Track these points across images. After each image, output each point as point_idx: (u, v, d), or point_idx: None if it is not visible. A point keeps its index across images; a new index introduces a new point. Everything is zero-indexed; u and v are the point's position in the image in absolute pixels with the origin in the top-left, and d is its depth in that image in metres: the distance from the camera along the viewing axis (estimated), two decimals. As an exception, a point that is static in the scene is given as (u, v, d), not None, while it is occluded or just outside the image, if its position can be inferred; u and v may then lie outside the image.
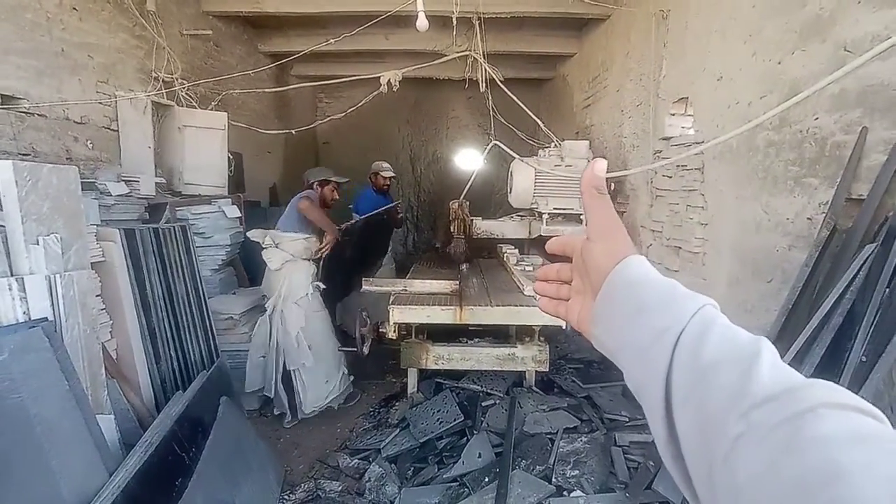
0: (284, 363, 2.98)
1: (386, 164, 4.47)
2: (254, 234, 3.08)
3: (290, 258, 3.02)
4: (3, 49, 2.34)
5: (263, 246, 3.04)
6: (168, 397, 2.32)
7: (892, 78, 1.61)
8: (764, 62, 2.34)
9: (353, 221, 3.90)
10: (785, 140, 2.18)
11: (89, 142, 2.90)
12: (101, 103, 2.95)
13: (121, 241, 2.22)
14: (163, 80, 3.43)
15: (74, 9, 2.78)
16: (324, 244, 3.12)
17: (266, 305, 3.02)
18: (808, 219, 1.98)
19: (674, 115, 3.29)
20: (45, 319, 1.59)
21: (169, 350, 2.51)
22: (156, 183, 3.13)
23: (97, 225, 2.29)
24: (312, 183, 3.27)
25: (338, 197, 3.39)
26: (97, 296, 1.97)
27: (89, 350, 1.72)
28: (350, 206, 4.35)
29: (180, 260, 2.77)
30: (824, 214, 1.82)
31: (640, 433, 2.31)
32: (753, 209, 2.30)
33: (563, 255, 0.51)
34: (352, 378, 3.28)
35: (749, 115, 2.38)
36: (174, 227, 2.80)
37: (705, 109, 2.94)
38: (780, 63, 2.22)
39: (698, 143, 2.87)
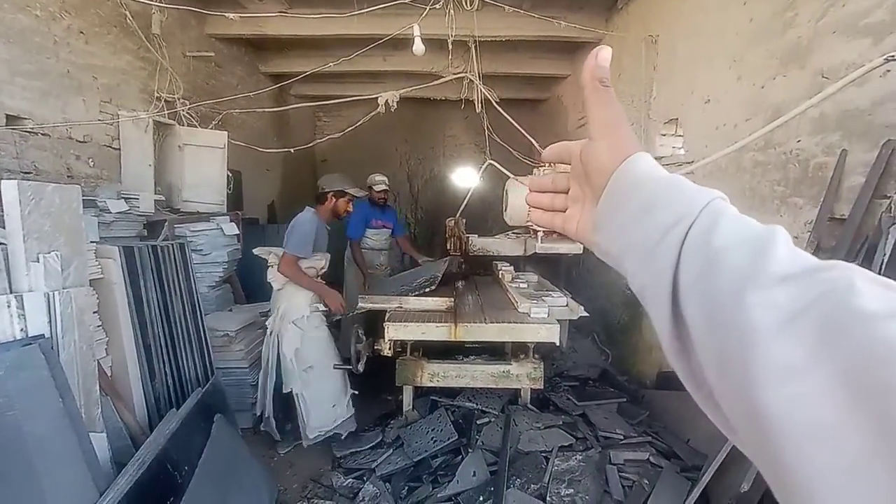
0: (281, 385, 2.86)
1: (379, 177, 4.20)
2: (260, 252, 2.96)
3: None
4: (11, 71, 2.41)
5: (269, 264, 2.89)
6: (162, 415, 2.31)
7: (868, 104, 1.68)
8: (748, 86, 2.42)
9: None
10: (770, 161, 2.25)
11: (91, 160, 2.96)
12: (104, 123, 3.01)
13: (119, 258, 2.24)
14: (165, 100, 3.51)
15: (81, 32, 2.86)
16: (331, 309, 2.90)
17: (267, 324, 2.94)
18: (795, 237, 2.02)
19: (664, 135, 3.38)
20: (42, 336, 1.60)
21: (164, 367, 2.51)
22: (155, 200, 3.17)
23: (96, 242, 2.31)
24: (327, 192, 2.98)
25: (351, 210, 3.13)
26: (94, 312, 1.98)
27: (84, 367, 1.73)
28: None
29: (177, 277, 2.78)
30: (809, 233, 1.87)
31: (634, 451, 2.30)
32: (742, 228, 2.35)
33: (561, 161, 0.47)
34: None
35: (736, 137, 2.46)
36: (172, 244, 2.83)
37: (694, 130, 3.02)
38: (763, 87, 2.31)
39: (689, 162, 2.94)
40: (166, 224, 3.18)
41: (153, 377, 2.40)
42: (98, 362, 1.89)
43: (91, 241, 2.20)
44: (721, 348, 0.27)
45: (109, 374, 2.07)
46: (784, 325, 0.24)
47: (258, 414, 3.03)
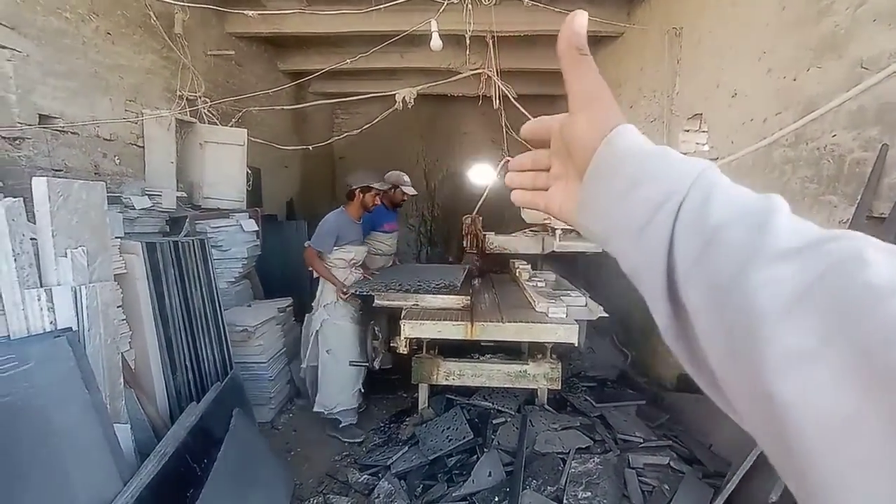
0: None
1: (407, 178, 3.86)
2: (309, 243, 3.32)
3: (331, 266, 3.18)
4: (43, 72, 2.48)
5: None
6: (182, 408, 2.36)
7: (911, 96, 1.58)
8: (779, 79, 2.33)
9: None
10: (801, 157, 2.15)
11: (116, 157, 3.03)
12: (129, 121, 3.08)
13: (142, 253, 2.29)
14: (187, 99, 3.57)
15: (108, 33, 2.93)
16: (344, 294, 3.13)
17: (312, 304, 3.33)
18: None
19: (688, 131, 3.28)
20: (70, 329, 1.65)
21: (185, 361, 2.56)
22: (177, 197, 3.23)
23: (121, 238, 2.37)
24: (354, 189, 3.24)
25: (379, 203, 3.39)
26: (118, 307, 2.03)
27: (109, 360, 1.77)
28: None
29: (198, 272, 2.84)
30: (844, 233, 1.79)
31: (654, 455, 2.25)
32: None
33: (539, 138, 0.44)
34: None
35: (764, 132, 2.36)
36: (193, 240, 2.88)
37: (719, 126, 2.92)
38: (795, 80, 2.21)
39: (713, 159, 2.85)
40: (187, 220, 3.24)
41: (174, 371, 2.45)
42: (122, 355, 1.94)
43: (115, 237, 2.26)
44: (728, 334, 0.25)
45: (133, 367, 2.12)
46: (791, 306, 0.22)
47: (273, 405, 3.26)
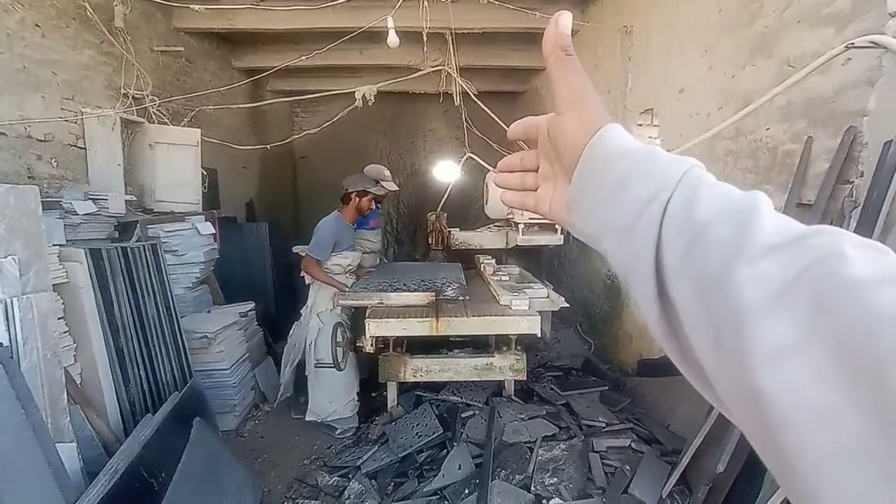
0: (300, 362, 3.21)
1: (387, 172, 3.72)
2: (298, 250, 3.26)
3: (327, 272, 3.11)
4: (-39, 67, 2.29)
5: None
6: (138, 421, 2.25)
7: (831, 91, 1.72)
8: (720, 76, 2.46)
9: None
10: (742, 149, 2.29)
11: (53, 160, 2.83)
12: (66, 121, 2.89)
13: (86, 261, 2.16)
14: (133, 97, 3.38)
15: (37, 25, 2.73)
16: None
17: (301, 312, 3.26)
18: (765, 224, 2.07)
19: (641, 125, 3.41)
20: (0, 345, 1.54)
21: (138, 372, 2.44)
22: (126, 201, 3.06)
23: (61, 245, 2.23)
24: (350, 193, 3.20)
25: (374, 207, 3.39)
26: (59, 318, 1.90)
27: (50, 375, 1.66)
28: None
29: (150, 279, 2.71)
30: (779, 219, 1.92)
31: (616, 438, 2.34)
32: (716, 215, 2.39)
33: (527, 138, 0.44)
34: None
35: (709, 126, 2.49)
36: (144, 245, 2.75)
37: (670, 120, 3.06)
38: (734, 77, 2.34)
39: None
40: (138, 225, 3.08)
41: (127, 382, 2.34)
42: (65, 370, 1.83)
43: (55, 244, 2.12)
44: (715, 330, 0.25)
45: (79, 382, 2.00)
46: (774, 301, 0.23)
47: (238, 413, 3.17)
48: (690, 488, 1.94)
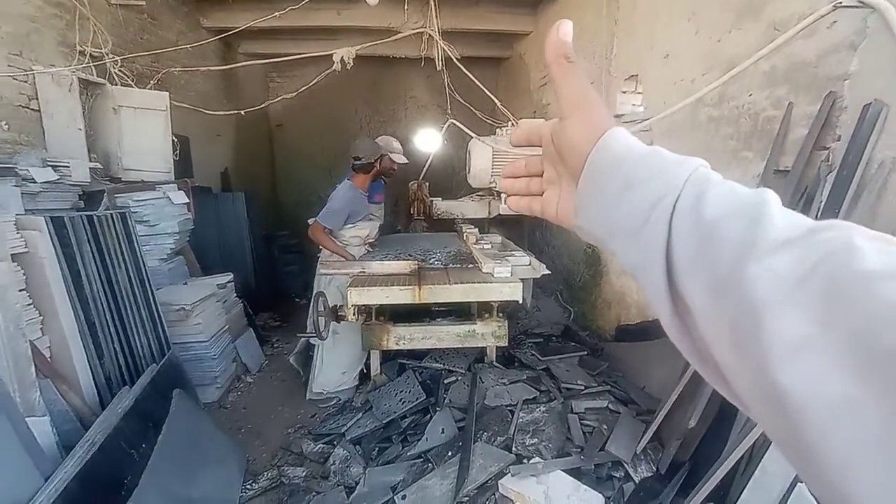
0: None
1: (397, 143, 3.58)
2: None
3: (346, 244, 3.07)
4: None
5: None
6: (114, 394, 2.20)
7: (814, 56, 1.70)
8: (706, 40, 2.42)
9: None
10: (724, 116, 2.28)
11: (4, 122, 2.63)
12: (14, 78, 2.67)
13: (47, 230, 2.05)
14: (90, 55, 3.14)
15: (-25, -28, 2.48)
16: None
17: (314, 284, 3.19)
18: (744, 190, 2.10)
19: (625, 92, 3.37)
20: (-40, 317, 1.46)
21: (112, 345, 2.38)
22: (91, 168, 2.89)
23: (19, 214, 2.10)
24: (372, 161, 3.09)
25: (396, 168, 3.42)
26: (21, 290, 1.81)
27: (14, 349, 1.60)
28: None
29: (121, 249, 2.60)
30: (756, 186, 1.94)
31: (594, 400, 2.42)
32: (696, 183, 2.41)
33: (530, 143, 0.45)
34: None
35: (693, 92, 2.45)
36: (112, 214, 2.62)
37: (654, 87, 3.02)
38: (719, 41, 2.31)
39: (645, 119, 2.96)
40: (106, 194, 2.93)
41: (101, 356, 2.27)
42: (31, 343, 1.76)
43: (11, 213, 1.99)
44: (730, 327, 0.26)
45: (49, 356, 1.93)
46: (789, 296, 0.23)
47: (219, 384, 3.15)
48: (663, 444, 2.04)
